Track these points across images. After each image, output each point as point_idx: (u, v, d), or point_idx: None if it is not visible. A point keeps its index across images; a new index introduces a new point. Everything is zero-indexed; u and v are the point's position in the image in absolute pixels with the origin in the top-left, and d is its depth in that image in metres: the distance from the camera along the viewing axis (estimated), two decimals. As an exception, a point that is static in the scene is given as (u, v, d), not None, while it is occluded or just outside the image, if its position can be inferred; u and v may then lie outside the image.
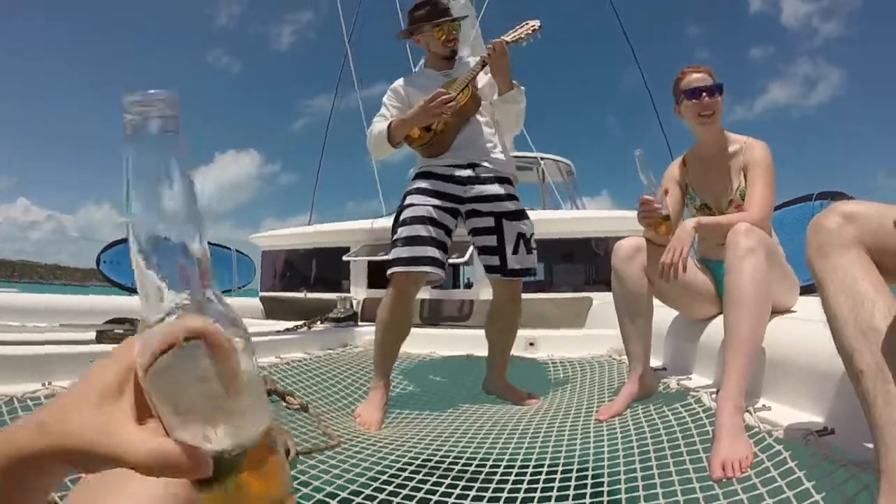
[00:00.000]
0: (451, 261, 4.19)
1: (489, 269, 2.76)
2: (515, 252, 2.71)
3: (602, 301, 4.42)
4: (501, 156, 2.82)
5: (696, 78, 2.32)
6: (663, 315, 2.58)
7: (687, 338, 2.44)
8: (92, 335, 2.47)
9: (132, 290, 10.92)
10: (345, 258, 5.35)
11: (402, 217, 2.66)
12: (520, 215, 2.77)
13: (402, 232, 2.62)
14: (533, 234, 2.80)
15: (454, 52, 2.86)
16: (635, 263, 2.27)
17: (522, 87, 2.76)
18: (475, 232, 2.78)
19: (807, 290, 2.45)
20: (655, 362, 2.49)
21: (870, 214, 1.28)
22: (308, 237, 6.20)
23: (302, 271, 6.32)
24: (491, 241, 2.72)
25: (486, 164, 2.75)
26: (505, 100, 2.73)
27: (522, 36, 2.72)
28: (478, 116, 2.78)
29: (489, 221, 2.72)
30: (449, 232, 2.70)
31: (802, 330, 1.82)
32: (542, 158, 7.94)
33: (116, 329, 2.51)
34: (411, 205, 2.67)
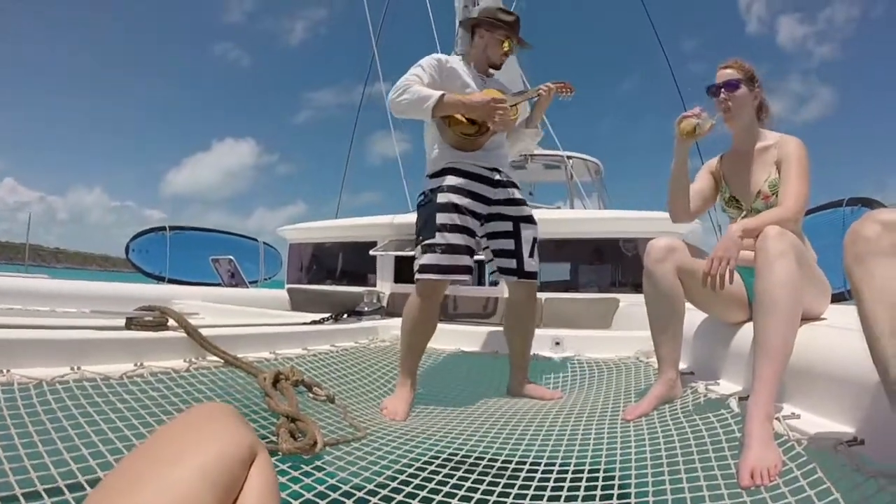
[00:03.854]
0: (476, 258, 4.22)
1: (506, 271, 2.85)
2: (531, 255, 2.84)
3: (629, 303, 4.39)
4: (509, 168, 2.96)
5: (720, 74, 2.40)
6: (691, 318, 2.57)
7: (716, 342, 2.41)
8: (121, 322, 2.51)
9: (159, 278, 11.09)
10: (372, 252, 5.38)
11: (439, 221, 2.63)
12: (532, 220, 2.89)
13: (440, 238, 2.62)
14: (538, 238, 2.92)
15: (500, 67, 2.97)
16: (668, 264, 2.24)
17: (542, 133, 3.05)
18: (493, 236, 2.86)
19: (837, 298, 2.43)
20: (683, 366, 2.47)
21: None
22: (335, 231, 6.24)
23: (329, 264, 6.37)
24: (509, 244, 2.82)
25: (504, 170, 2.86)
26: (527, 134, 3.03)
27: (563, 93, 2.98)
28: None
29: (508, 226, 2.82)
30: (475, 236, 2.78)
31: (833, 338, 1.80)
32: (569, 157, 7.90)
33: (146, 316, 2.55)
34: (448, 207, 2.65)
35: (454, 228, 2.64)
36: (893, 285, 1.22)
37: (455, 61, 2.88)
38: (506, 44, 2.85)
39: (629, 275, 4.96)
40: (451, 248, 2.62)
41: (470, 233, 2.70)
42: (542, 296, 4.65)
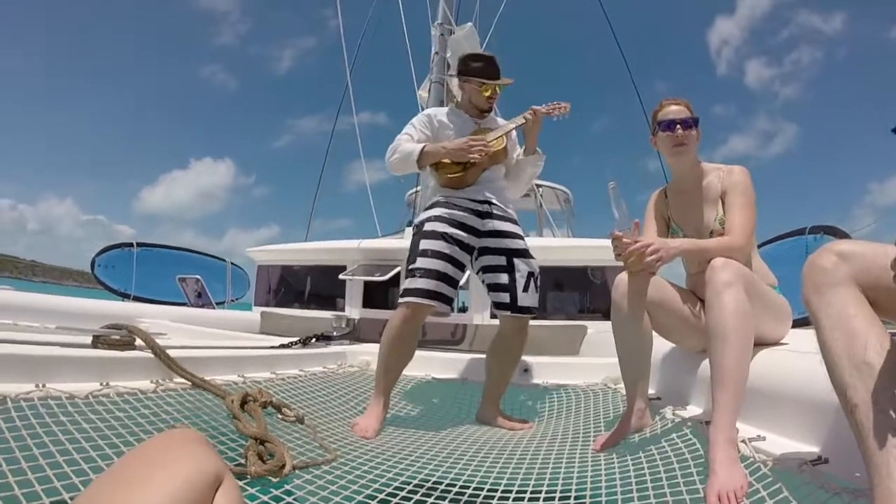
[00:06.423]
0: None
1: (499, 305, 2.85)
2: (525, 290, 2.83)
3: (597, 330, 4.43)
4: (509, 200, 3.01)
5: (672, 110, 2.38)
6: (659, 345, 2.61)
7: (683, 368, 2.45)
8: (88, 339, 2.46)
9: (124, 295, 10.81)
10: (341, 277, 5.36)
11: (422, 247, 2.76)
12: (528, 254, 2.90)
13: (423, 263, 2.73)
14: (539, 273, 2.91)
15: (491, 109, 3.07)
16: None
17: (544, 155, 3.04)
18: (486, 269, 2.89)
19: (801, 323, 2.47)
20: (651, 391, 2.50)
21: (864, 253, 1.32)
22: (305, 254, 6.21)
23: (297, 287, 6.32)
24: (503, 278, 2.84)
25: (498, 203, 2.91)
26: (528, 161, 3.03)
27: (554, 112, 2.98)
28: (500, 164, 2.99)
29: (501, 260, 2.85)
30: (462, 268, 2.83)
31: (797, 361, 1.84)
32: (539, 186, 7.99)
33: (113, 335, 2.50)
34: (432, 235, 2.77)
35: (436, 255, 2.73)
36: (848, 312, 1.27)
37: (444, 113, 3.08)
38: (485, 90, 2.96)
39: (597, 302, 5.02)
40: (431, 274, 2.70)
41: (454, 262, 2.76)
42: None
